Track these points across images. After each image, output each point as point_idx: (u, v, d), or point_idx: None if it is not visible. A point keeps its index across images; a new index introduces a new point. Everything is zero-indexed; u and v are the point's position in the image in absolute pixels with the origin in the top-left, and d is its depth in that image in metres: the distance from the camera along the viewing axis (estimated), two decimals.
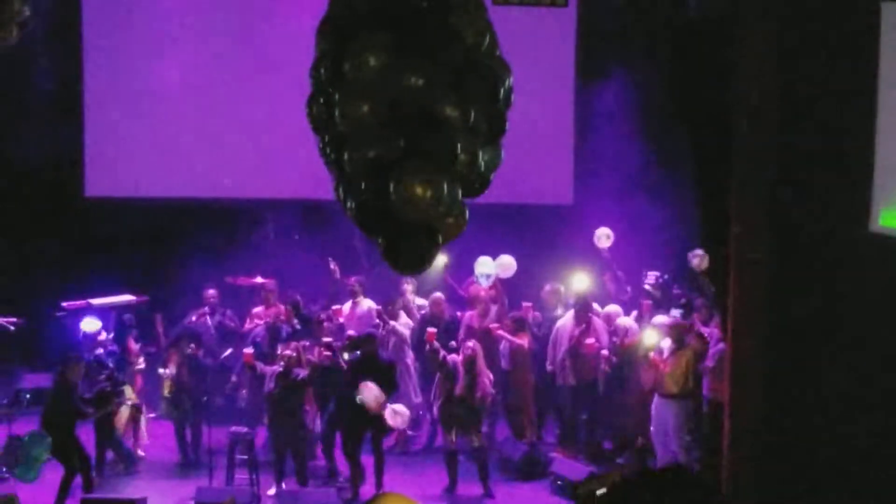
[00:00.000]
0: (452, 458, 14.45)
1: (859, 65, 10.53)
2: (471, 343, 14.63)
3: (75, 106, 17.69)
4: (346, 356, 14.50)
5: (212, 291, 16.16)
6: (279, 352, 14.59)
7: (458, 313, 16.02)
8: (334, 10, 9.51)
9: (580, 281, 15.88)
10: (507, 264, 16.02)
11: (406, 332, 15.67)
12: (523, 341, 15.40)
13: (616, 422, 15.50)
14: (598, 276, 16.36)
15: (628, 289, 16.38)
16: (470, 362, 14.33)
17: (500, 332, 15.47)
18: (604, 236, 16.13)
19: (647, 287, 16.13)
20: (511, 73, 9.43)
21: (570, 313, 15.60)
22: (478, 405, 14.34)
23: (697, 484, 3.01)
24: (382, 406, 13.89)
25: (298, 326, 15.56)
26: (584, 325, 15.38)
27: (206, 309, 16.07)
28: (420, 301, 16.35)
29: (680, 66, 14.98)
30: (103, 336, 15.25)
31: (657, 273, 16.29)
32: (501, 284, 16.04)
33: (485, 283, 15.98)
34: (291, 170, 15.96)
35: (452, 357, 14.53)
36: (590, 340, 15.26)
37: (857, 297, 11.09)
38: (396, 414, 14.07)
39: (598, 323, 15.48)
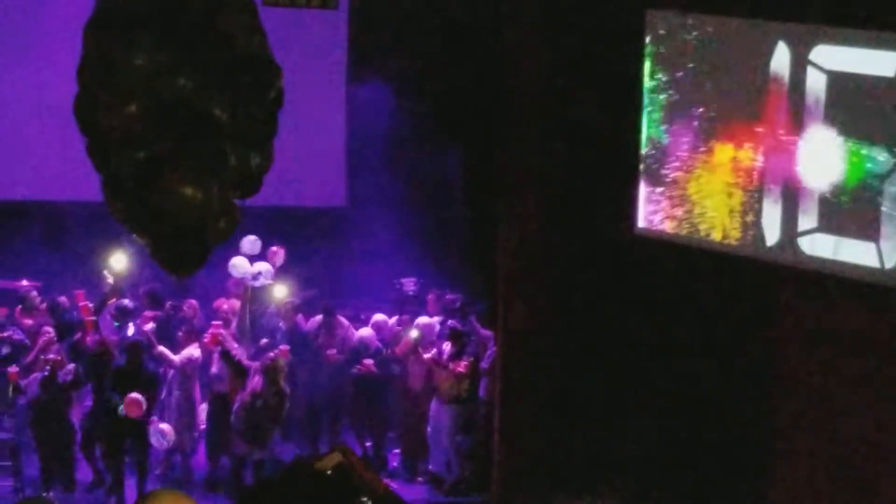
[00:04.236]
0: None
1: (625, 69, 10.79)
2: (272, 353, 14.32)
3: None
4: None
5: None
6: (42, 356, 14.10)
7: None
8: (101, 9, 9.33)
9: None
10: (236, 265, 15.39)
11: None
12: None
13: (379, 424, 15.44)
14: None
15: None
16: (272, 371, 14.15)
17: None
18: (247, 243, 15.52)
19: (409, 293, 16.19)
20: (282, 75, 9.38)
21: (318, 319, 15.47)
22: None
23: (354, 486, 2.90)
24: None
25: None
26: (325, 333, 15.27)
27: None
28: None
29: (451, 71, 15.13)
30: None
31: (414, 279, 16.39)
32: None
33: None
34: (59, 170, 15.51)
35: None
36: (331, 351, 15.09)
37: (623, 295, 11.38)
38: (163, 434, 13.84)
39: (344, 331, 15.33)
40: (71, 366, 13.98)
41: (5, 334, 14.90)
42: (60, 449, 14.08)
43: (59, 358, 13.94)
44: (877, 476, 9.49)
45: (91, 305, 15.09)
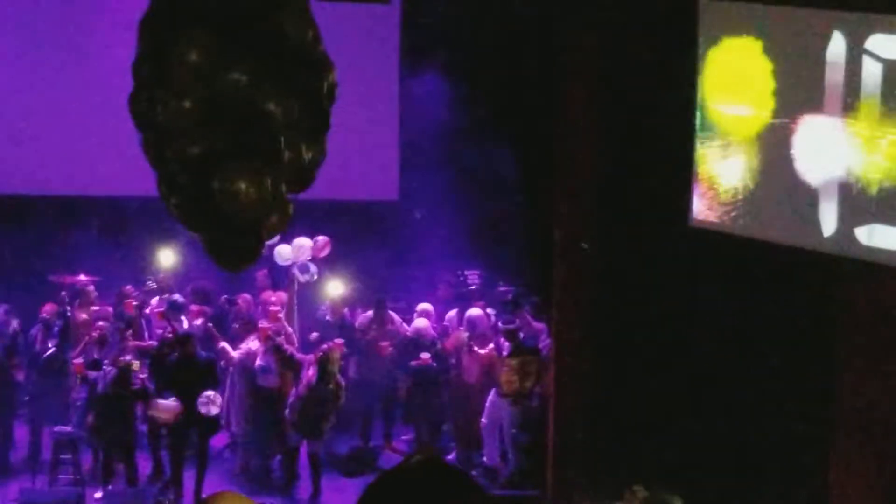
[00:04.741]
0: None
1: (680, 63, 10.76)
2: (326, 345, 14.42)
3: None
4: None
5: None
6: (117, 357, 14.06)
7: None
8: (156, 5, 9.38)
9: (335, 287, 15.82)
10: (300, 245, 15.34)
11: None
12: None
13: (434, 417, 15.38)
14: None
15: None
16: (326, 363, 14.19)
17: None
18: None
19: (472, 287, 16.23)
20: (334, 69, 9.40)
21: (369, 314, 15.48)
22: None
23: (455, 476, 2.88)
24: (177, 416, 13.83)
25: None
26: (377, 327, 15.27)
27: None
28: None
29: (505, 63, 15.11)
30: None
31: (476, 272, 16.41)
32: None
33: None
34: (114, 166, 15.56)
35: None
36: (384, 343, 15.10)
37: (678, 289, 11.37)
38: (209, 402, 13.91)
39: (396, 324, 15.40)
40: (143, 375, 14.06)
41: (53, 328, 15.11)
42: (124, 443, 14.15)
43: (131, 360, 14.00)
44: None
45: (136, 303, 15.26)
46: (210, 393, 13.87)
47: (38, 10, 16.42)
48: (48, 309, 15.24)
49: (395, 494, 2.81)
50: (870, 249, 9.42)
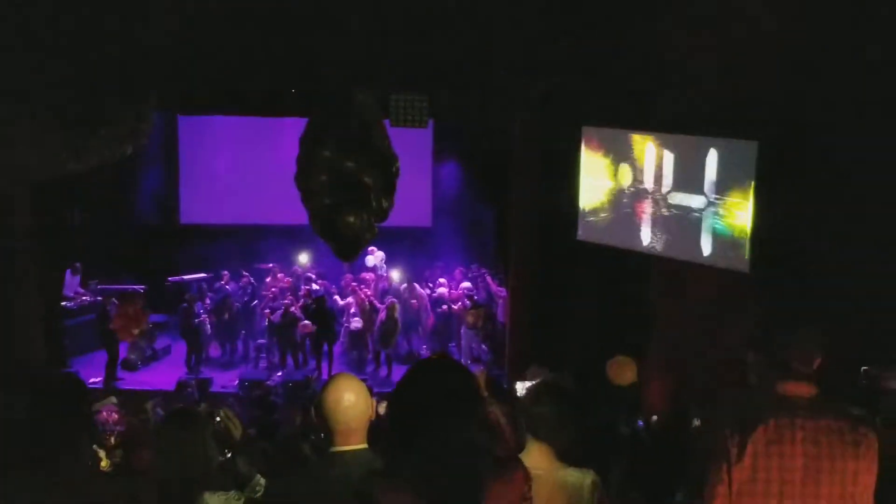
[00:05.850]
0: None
1: (572, 163, 10.61)
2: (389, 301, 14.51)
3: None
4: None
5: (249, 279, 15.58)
6: (283, 301, 14.36)
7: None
8: (309, 130, 9.66)
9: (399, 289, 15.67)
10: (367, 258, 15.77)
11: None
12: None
13: (445, 339, 15.21)
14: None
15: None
16: (391, 309, 14.21)
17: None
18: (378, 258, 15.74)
19: (472, 274, 16.29)
20: (398, 159, 9.61)
21: (405, 285, 15.38)
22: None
23: (460, 367, 2.58)
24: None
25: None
26: (409, 293, 15.13)
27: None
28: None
29: (490, 159, 14.90)
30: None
31: (475, 265, 16.49)
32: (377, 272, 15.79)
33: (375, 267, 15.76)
34: (288, 207, 15.51)
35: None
36: (413, 301, 14.98)
37: (573, 268, 11.37)
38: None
39: (419, 291, 15.22)
40: (304, 322, 14.01)
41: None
42: (292, 347, 14.28)
43: (290, 302, 14.19)
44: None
45: (290, 279, 15.35)
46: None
47: (250, 127, 16.46)
48: (243, 282, 15.38)
49: (429, 370, 2.58)
50: (665, 252, 9.46)
